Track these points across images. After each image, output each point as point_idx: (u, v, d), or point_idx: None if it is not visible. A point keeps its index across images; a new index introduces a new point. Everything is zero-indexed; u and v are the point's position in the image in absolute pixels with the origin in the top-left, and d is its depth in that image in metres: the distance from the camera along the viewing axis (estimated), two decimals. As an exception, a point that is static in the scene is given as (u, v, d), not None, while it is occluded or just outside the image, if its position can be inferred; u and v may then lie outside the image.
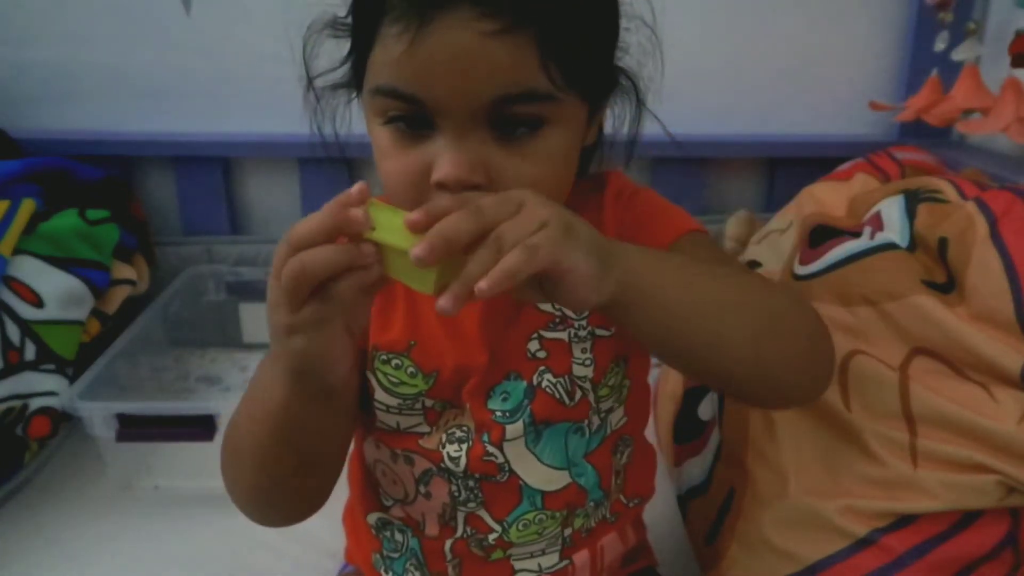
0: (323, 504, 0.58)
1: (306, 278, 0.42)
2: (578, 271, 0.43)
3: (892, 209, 0.76)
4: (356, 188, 0.43)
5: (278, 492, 0.55)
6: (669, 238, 0.59)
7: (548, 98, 0.49)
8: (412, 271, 0.41)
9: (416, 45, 0.46)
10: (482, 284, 0.39)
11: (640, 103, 0.60)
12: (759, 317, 0.51)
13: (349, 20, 0.54)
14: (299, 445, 0.52)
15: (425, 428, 0.59)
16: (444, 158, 0.48)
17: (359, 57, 0.53)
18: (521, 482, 0.59)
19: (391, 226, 0.42)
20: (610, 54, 0.56)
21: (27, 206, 0.95)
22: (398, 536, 0.65)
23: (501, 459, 0.58)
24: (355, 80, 0.56)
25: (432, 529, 0.62)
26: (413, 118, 0.50)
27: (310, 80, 0.60)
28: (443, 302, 0.40)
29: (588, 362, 0.58)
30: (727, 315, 0.50)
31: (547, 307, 0.58)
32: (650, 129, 0.64)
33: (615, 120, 0.62)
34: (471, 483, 0.59)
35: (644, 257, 0.48)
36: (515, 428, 0.58)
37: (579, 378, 0.58)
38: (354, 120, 0.63)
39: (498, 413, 0.58)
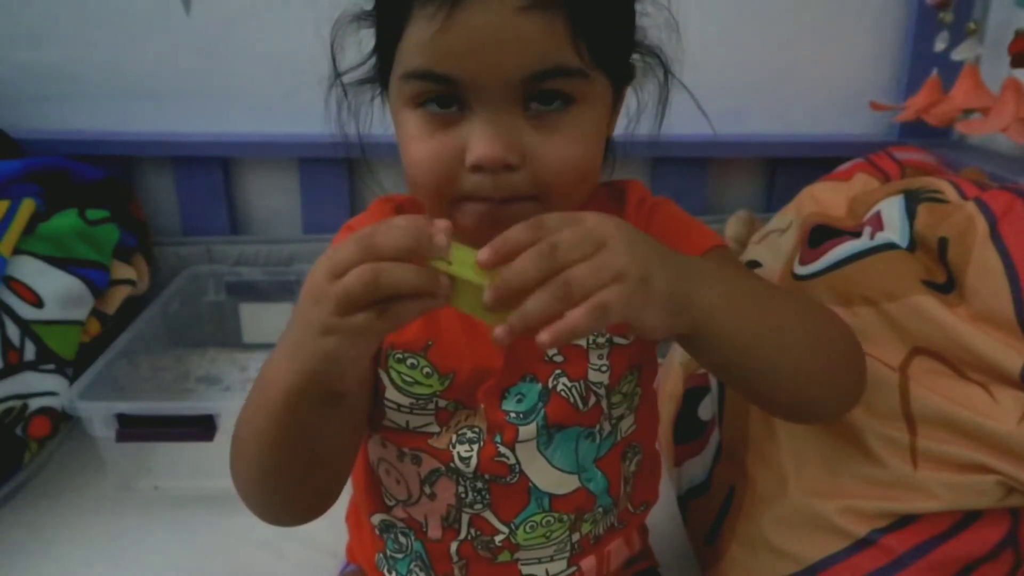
0: (332, 504, 0.57)
1: (377, 289, 0.40)
2: (646, 327, 0.43)
3: (892, 209, 0.76)
4: (443, 222, 0.42)
5: (284, 491, 0.54)
6: (696, 253, 0.58)
7: (579, 74, 0.49)
8: (479, 305, 0.41)
9: (449, 25, 0.47)
10: (544, 337, 0.39)
11: (667, 71, 0.61)
12: (813, 346, 0.52)
13: (375, 10, 0.54)
14: (303, 446, 0.51)
15: (435, 428, 0.59)
16: (478, 138, 0.49)
17: (386, 46, 0.53)
18: (530, 484, 0.59)
19: (462, 260, 0.41)
20: (631, 36, 0.57)
21: (27, 206, 0.95)
22: (402, 538, 0.65)
23: (512, 460, 0.58)
24: (380, 73, 0.56)
25: (435, 531, 0.62)
26: (445, 98, 0.50)
27: (338, 75, 0.60)
28: (499, 333, 0.40)
29: (604, 368, 0.58)
30: (786, 345, 0.50)
31: None
32: (650, 129, 0.64)
33: (633, 118, 0.63)
34: (479, 484, 0.59)
35: (720, 291, 0.47)
36: (528, 430, 0.58)
37: (594, 384, 0.58)
38: (365, 121, 0.63)
39: (512, 414, 0.58)
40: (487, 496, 0.60)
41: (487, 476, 0.59)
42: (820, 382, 0.54)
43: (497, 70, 0.48)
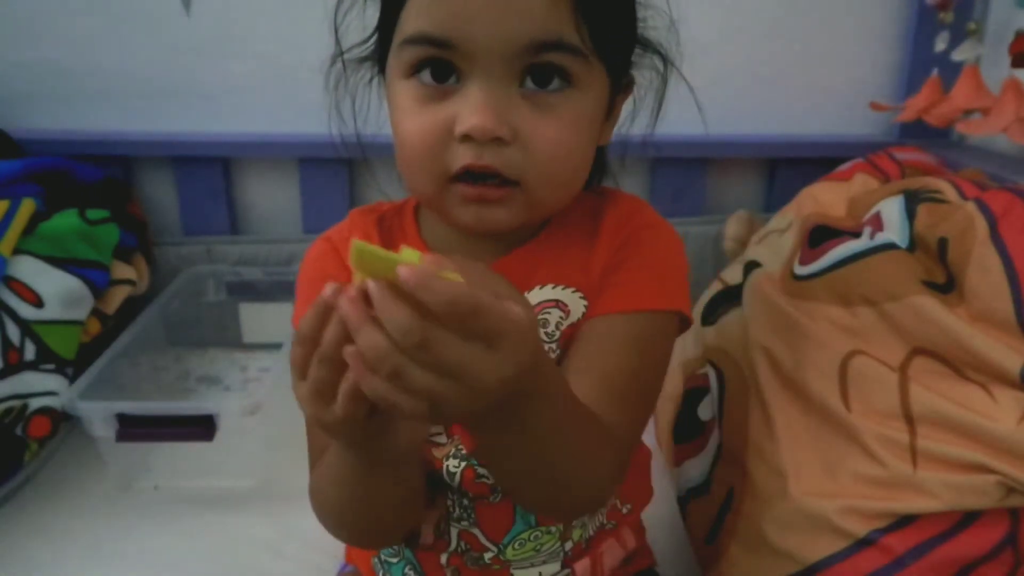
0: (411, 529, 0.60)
1: (322, 393, 0.38)
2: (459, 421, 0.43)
3: (892, 209, 0.76)
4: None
5: (364, 539, 0.58)
6: (640, 304, 0.56)
7: (578, 53, 0.49)
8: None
9: None
10: (364, 385, 0.36)
11: (666, 61, 0.60)
12: (572, 481, 0.49)
13: None
14: (371, 511, 0.51)
15: (443, 439, 0.59)
16: (471, 106, 0.48)
17: (389, 17, 0.52)
18: (519, 516, 0.60)
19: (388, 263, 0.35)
20: (632, 36, 0.57)
21: (27, 206, 0.95)
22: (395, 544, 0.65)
23: (492, 480, 0.58)
24: (380, 48, 0.56)
25: (427, 538, 0.62)
26: (440, 65, 0.49)
27: (341, 53, 0.60)
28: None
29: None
30: (543, 480, 0.48)
31: None
32: (648, 124, 0.64)
33: (630, 116, 0.62)
34: (465, 501, 0.59)
35: (527, 435, 0.43)
36: None
37: None
38: (362, 121, 0.63)
39: None
40: (472, 515, 0.60)
41: (471, 495, 0.59)
42: (558, 507, 0.53)
43: (497, 35, 0.47)
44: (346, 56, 0.60)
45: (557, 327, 0.56)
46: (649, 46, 0.59)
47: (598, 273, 0.57)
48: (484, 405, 0.37)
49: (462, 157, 0.49)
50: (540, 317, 0.57)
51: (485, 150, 0.49)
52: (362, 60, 0.60)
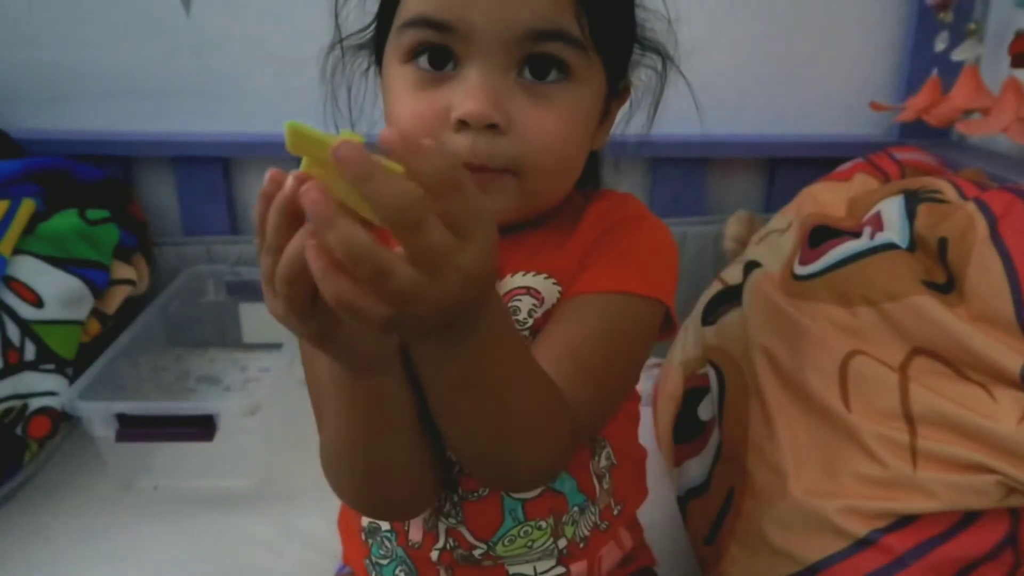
0: (429, 504, 0.56)
1: (283, 282, 0.36)
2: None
3: (892, 209, 0.76)
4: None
5: (371, 494, 0.53)
6: (617, 285, 0.53)
7: (577, 44, 0.49)
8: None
9: None
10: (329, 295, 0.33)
11: (665, 58, 0.60)
12: (518, 429, 0.47)
13: None
14: (378, 445, 0.49)
15: None
16: (468, 91, 0.48)
17: (388, 4, 0.52)
18: (501, 496, 0.58)
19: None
20: (631, 36, 0.57)
21: (27, 206, 0.95)
22: (386, 543, 0.64)
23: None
24: (378, 35, 0.56)
25: (416, 535, 0.61)
26: (438, 50, 0.49)
27: (340, 40, 0.60)
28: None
29: None
30: (494, 424, 0.46)
31: None
32: (646, 122, 0.64)
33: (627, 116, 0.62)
34: (455, 497, 0.58)
35: (478, 363, 0.42)
36: None
37: None
38: (360, 121, 0.63)
39: None
40: (460, 513, 0.59)
41: (460, 490, 0.58)
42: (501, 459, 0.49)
43: (497, 20, 0.47)
44: (344, 43, 0.60)
45: (530, 314, 0.55)
46: (648, 45, 0.59)
47: (576, 260, 0.56)
48: (449, 306, 0.35)
49: (459, 150, 0.49)
50: (511, 305, 0.55)
51: (480, 139, 0.49)
52: (360, 47, 0.60)
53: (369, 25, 0.58)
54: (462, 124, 0.49)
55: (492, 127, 0.49)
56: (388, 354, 0.45)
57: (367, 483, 0.52)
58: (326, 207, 0.32)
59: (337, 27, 0.59)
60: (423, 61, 0.50)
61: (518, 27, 0.48)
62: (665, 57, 0.60)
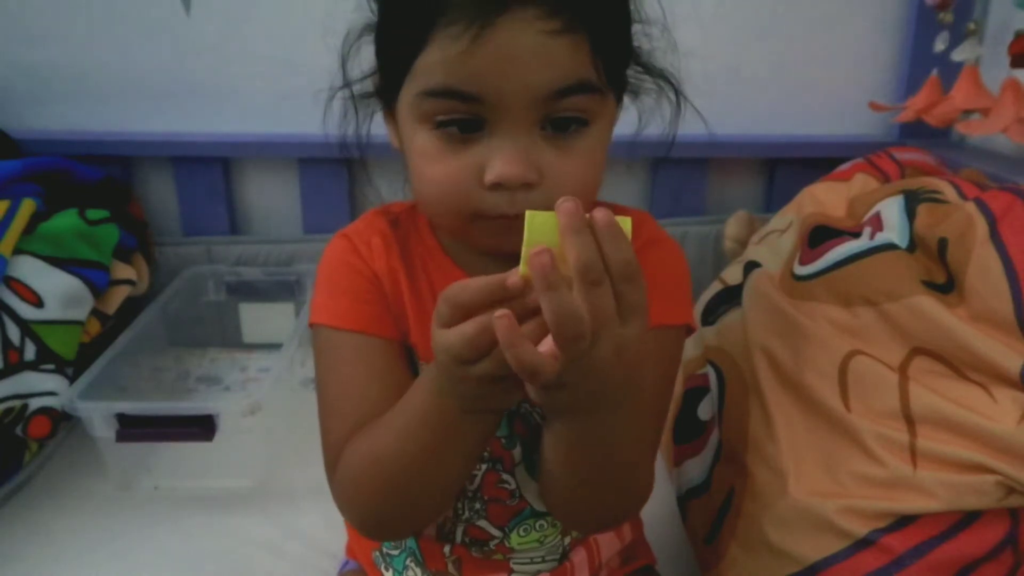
0: (431, 524, 0.61)
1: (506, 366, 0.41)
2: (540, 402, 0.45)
3: (892, 209, 0.76)
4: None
5: (397, 507, 0.54)
6: (654, 321, 0.56)
7: (597, 91, 0.50)
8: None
9: (477, 45, 0.46)
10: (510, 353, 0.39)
11: (678, 93, 0.61)
12: (614, 490, 0.52)
13: (387, 26, 0.54)
14: (441, 466, 0.51)
15: None
16: (501, 157, 0.49)
17: (398, 62, 0.52)
18: (529, 507, 0.61)
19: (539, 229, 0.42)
20: (630, 51, 0.57)
21: (27, 206, 0.95)
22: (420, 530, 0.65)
23: (513, 485, 0.59)
24: (385, 87, 0.56)
25: (430, 529, 0.63)
26: (467, 122, 0.50)
27: (347, 84, 0.60)
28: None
29: None
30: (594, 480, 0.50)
31: None
32: (650, 129, 0.64)
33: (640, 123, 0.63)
34: (478, 505, 0.60)
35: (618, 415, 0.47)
36: (517, 453, 0.59)
37: None
38: (363, 124, 0.63)
39: (503, 440, 0.59)
40: (484, 512, 0.61)
41: (487, 498, 0.60)
42: (592, 512, 0.54)
43: (525, 89, 0.48)
44: (352, 88, 0.60)
45: None
46: (655, 72, 0.60)
47: None
48: (605, 373, 0.41)
49: (495, 206, 0.51)
50: None
51: (516, 195, 0.50)
52: (364, 96, 0.60)
53: (367, 76, 0.58)
54: (497, 185, 0.50)
55: (526, 184, 0.50)
56: (514, 401, 0.48)
57: (402, 498, 0.52)
58: (553, 271, 0.38)
59: (344, 76, 0.60)
60: (452, 128, 0.50)
61: (544, 89, 0.48)
62: (677, 90, 0.61)
